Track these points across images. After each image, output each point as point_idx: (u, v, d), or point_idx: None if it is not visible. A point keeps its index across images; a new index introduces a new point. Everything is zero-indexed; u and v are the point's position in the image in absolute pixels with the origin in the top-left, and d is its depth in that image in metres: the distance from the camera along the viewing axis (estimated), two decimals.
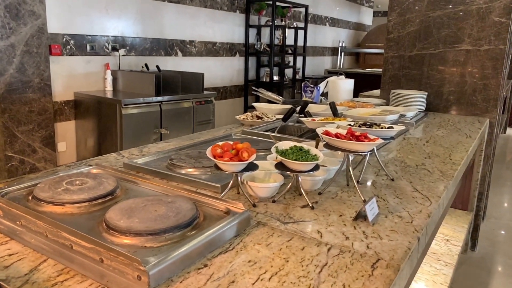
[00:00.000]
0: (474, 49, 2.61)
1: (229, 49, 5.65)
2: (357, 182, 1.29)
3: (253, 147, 1.10)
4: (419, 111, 2.67)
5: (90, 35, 3.87)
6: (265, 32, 6.13)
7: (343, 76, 2.94)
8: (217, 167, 1.06)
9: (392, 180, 1.34)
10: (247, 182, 1.12)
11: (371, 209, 1.02)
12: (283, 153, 1.11)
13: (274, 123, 2.07)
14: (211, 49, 5.34)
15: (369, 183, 1.31)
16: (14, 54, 3.25)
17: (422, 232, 0.99)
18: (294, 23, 6.38)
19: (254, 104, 2.43)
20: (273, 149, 1.13)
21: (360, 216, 1.02)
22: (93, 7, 3.84)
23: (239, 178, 1.09)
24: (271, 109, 2.42)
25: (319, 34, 7.95)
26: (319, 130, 1.21)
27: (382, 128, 1.29)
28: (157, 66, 4.23)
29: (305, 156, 1.10)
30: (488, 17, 2.54)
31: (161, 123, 3.87)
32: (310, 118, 1.66)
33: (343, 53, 8.58)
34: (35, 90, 3.42)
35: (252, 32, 6.04)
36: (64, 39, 3.66)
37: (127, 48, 4.24)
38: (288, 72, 6.58)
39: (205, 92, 4.43)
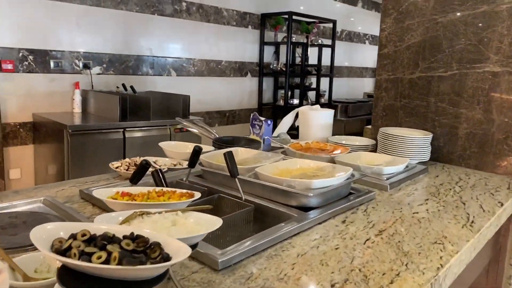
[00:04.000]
0: (504, 70, 1.69)
1: (238, 69, 5.00)
2: None
3: None
4: (418, 163, 1.78)
5: (54, 51, 3.40)
6: (285, 50, 5.41)
7: (318, 106, 2.13)
8: None
9: None
10: None
11: None
12: None
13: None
14: (215, 69, 4.72)
15: None
16: None
17: None
18: (319, 40, 5.59)
19: (161, 144, 1.71)
20: None
21: None
22: (59, 20, 3.38)
23: None
24: (184, 152, 1.68)
25: (356, 53, 7.06)
26: None
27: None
28: (132, 87, 3.67)
29: None
30: None
31: (124, 153, 3.28)
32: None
33: None
34: None
35: (269, 50, 5.35)
36: (21, 54, 3.23)
37: (104, 65, 3.74)
38: (312, 95, 5.78)
39: (191, 118, 3.80)
